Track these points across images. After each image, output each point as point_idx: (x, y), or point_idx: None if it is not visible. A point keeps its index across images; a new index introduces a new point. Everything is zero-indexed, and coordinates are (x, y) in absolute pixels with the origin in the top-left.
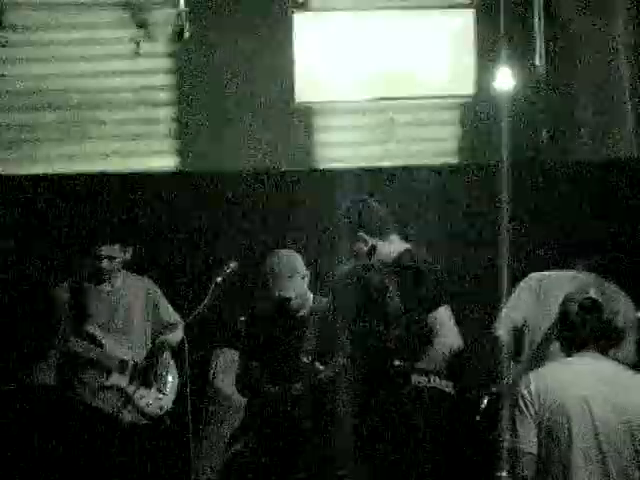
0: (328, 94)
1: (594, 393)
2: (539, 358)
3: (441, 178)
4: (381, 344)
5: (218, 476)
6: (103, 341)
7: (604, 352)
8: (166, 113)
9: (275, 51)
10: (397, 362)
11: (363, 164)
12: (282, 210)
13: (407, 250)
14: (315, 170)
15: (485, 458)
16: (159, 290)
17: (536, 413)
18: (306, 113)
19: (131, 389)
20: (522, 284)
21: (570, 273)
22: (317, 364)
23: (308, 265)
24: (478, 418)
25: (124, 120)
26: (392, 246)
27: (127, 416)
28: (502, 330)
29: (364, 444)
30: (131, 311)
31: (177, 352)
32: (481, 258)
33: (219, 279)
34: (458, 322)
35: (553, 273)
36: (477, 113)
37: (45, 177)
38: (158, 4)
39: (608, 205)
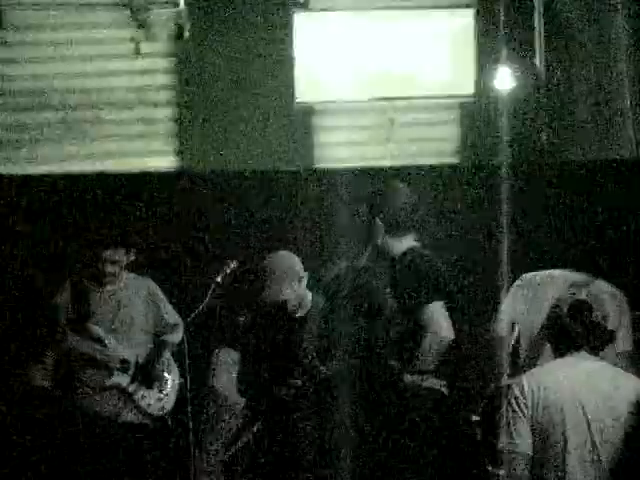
0: (328, 94)
1: (587, 393)
2: (532, 359)
3: (441, 178)
4: (376, 345)
5: (218, 476)
6: (106, 340)
7: (595, 352)
8: (166, 113)
9: (275, 51)
10: (392, 362)
11: (363, 164)
12: (282, 210)
13: (411, 248)
14: (315, 170)
15: (481, 458)
16: (160, 290)
17: (530, 413)
18: (306, 113)
19: (132, 389)
20: (515, 285)
21: (561, 272)
22: (317, 364)
23: (309, 264)
24: (475, 418)
25: (124, 120)
26: (404, 243)
27: (128, 416)
28: (498, 331)
29: (362, 443)
30: (133, 311)
31: (177, 352)
32: (481, 258)
33: (219, 279)
34: (455, 321)
35: (545, 273)
36: (477, 113)
37: (45, 177)
38: (158, 4)
39: (608, 205)
